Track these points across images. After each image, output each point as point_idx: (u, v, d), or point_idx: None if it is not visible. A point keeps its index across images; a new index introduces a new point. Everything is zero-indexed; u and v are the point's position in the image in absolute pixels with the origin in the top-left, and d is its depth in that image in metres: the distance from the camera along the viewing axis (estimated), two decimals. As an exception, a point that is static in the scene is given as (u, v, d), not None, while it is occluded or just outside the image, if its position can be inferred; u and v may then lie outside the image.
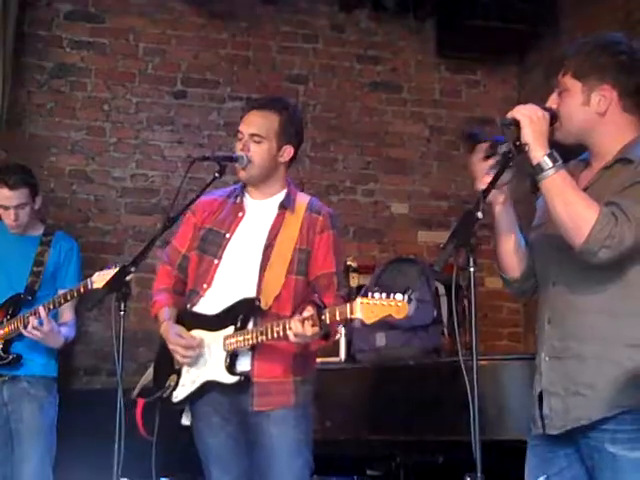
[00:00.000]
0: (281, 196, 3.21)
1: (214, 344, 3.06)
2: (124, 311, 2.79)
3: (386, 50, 5.98)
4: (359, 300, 2.69)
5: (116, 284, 2.83)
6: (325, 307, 2.81)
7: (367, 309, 2.69)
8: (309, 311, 2.81)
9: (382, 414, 4.26)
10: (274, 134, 3.15)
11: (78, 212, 5.39)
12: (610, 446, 2.21)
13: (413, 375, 4.29)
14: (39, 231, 4.16)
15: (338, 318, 2.76)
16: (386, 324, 4.85)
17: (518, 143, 2.23)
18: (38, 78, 5.40)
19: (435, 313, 4.91)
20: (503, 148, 2.29)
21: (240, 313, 3.04)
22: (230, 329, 3.03)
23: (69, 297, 3.76)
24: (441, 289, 5.06)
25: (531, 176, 2.29)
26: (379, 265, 5.11)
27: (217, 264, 3.13)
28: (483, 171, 2.34)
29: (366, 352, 4.82)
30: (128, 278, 2.85)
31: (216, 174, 3.12)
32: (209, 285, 3.12)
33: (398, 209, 5.88)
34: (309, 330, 2.79)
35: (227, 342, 3.02)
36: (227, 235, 3.16)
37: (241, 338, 2.99)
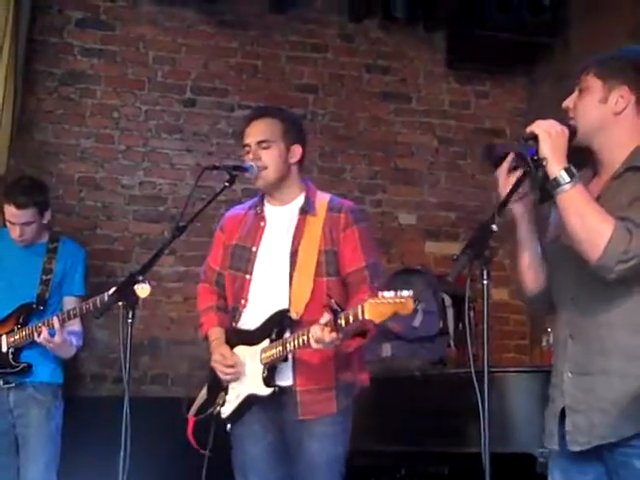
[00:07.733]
0: (300, 200, 3.23)
1: (253, 358, 3.11)
2: (132, 319, 2.78)
3: (395, 60, 5.98)
4: (369, 301, 2.71)
5: (124, 292, 2.83)
6: (342, 311, 2.81)
7: (375, 309, 2.69)
8: (325, 317, 2.82)
9: (387, 425, 4.26)
10: (280, 136, 3.20)
11: (86, 219, 5.38)
12: (638, 462, 2.19)
13: (419, 386, 4.29)
14: (44, 239, 4.14)
15: (352, 320, 2.77)
16: (392, 334, 4.87)
17: (536, 157, 2.23)
18: (48, 85, 5.40)
19: (441, 324, 4.91)
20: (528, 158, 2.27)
21: (274, 326, 3.08)
22: (266, 342, 3.09)
23: (85, 310, 3.76)
24: (447, 300, 5.05)
25: (540, 187, 2.29)
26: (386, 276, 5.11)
27: (249, 279, 3.19)
28: (509, 184, 2.32)
29: (372, 363, 4.82)
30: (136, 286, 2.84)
31: (226, 183, 3.14)
32: (246, 301, 3.19)
33: (406, 219, 5.87)
34: (327, 336, 2.81)
35: (262, 355, 3.08)
36: (254, 249, 3.21)
37: (274, 350, 3.05)
